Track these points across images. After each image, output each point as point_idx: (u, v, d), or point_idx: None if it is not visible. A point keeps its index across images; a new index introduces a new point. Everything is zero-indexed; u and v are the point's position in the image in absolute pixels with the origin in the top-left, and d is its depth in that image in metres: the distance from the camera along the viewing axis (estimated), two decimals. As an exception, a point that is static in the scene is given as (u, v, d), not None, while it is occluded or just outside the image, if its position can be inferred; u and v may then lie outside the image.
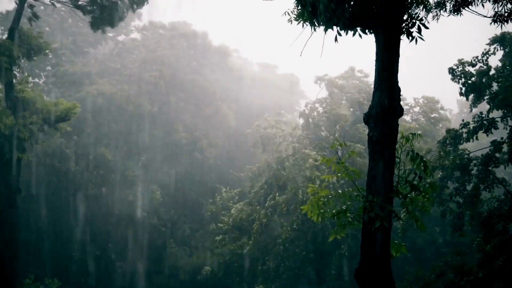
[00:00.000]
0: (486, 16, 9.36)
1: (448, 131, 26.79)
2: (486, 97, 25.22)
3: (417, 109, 45.44)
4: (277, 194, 39.24)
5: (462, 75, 25.38)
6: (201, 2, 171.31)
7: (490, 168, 24.89)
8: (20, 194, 31.80)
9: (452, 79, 25.70)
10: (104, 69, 58.97)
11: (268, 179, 41.34)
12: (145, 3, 35.26)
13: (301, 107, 47.87)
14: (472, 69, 25.51)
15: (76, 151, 47.98)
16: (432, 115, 44.38)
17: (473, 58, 25.45)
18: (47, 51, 34.27)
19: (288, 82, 74.70)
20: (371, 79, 48.40)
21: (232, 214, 42.32)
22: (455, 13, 9.79)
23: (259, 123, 46.95)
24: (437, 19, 10.05)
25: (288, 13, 10.33)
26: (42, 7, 42.37)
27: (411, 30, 9.88)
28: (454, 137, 25.92)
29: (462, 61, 25.61)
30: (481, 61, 25.31)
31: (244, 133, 52.79)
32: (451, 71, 25.71)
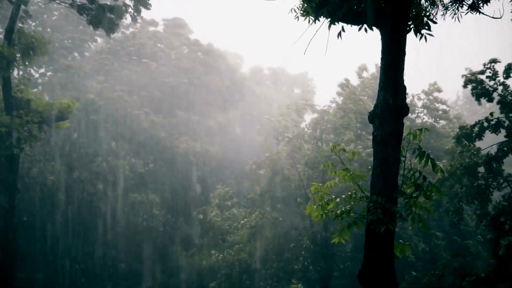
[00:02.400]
0: (494, 17, 9.19)
1: (462, 128, 27.92)
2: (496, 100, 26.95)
3: (419, 103, 44.36)
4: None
5: (473, 83, 27.23)
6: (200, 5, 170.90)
7: (494, 166, 25.77)
8: (18, 194, 31.72)
9: (464, 86, 27.82)
10: (97, 66, 58.46)
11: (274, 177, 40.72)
12: (147, 7, 35.34)
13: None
14: (482, 76, 27.30)
15: (75, 154, 47.80)
16: (437, 113, 43.57)
17: (483, 65, 27.25)
18: (45, 50, 34.06)
19: (300, 83, 74.54)
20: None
21: (233, 218, 41.97)
22: (473, 11, 9.59)
23: (269, 116, 46.30)
24: (454, 15, 9.83)
25: (294, 10, 10.27)
26: (35, 6, 41.91)
27: (420, 27, 9.75)
28: (467, 136, 27.01)
29: (473, 71, 27.64)
30: (489, 66, 27.05)
31: (247, 139, 52.53)
32: (465, 79, 27.51)
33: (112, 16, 34.12)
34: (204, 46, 66.73)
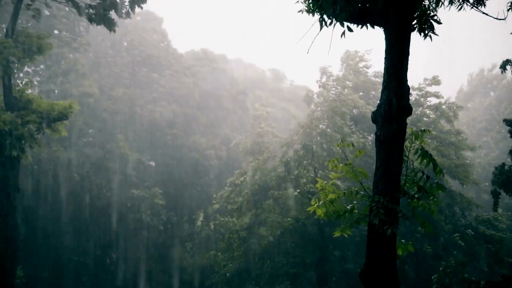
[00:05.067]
0: (497, 18, 9.23)
1: None
2: None
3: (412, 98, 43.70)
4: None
5: None
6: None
7: None
8: (19, 193, 31.71)
9: None
10: (97, 62, 58.16)
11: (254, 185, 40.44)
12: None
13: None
14: None
15: (76, 151, 47.80)
16: (427, 111, 43.02)
17: None
18: (46, 48, 34.13)
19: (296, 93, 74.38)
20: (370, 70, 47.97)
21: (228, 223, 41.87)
22: (479, 5, 9.61)
23: (246, 135, 46.10)
24: (460, 8, 9.81)
25: (300, 2, 10.31)
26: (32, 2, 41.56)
27: (424, 26, 9.80)
28: None
29: None
30: None
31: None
32: None
33: (111, 12, 34.00)
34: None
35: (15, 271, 30.93)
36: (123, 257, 48.55)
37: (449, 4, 9.41)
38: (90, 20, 34.27)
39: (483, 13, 9.45)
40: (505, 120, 26.38)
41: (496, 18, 9.26)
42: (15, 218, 31.36)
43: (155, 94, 56.61)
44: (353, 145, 11.12)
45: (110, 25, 34.07)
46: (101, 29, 42.30)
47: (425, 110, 43.04)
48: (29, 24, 50.95)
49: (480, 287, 21.26)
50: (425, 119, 42.26)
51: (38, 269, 44.28)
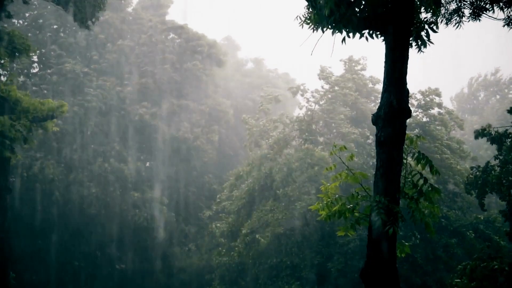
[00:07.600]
0: (496, 19, 9.47)
1: None
2: None
3: (415, 103, 43.50)
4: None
5: None
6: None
7: None
8: (10, 194, 31.52)
9: None
10: (87, 59, 57.36)
11: (254, 183, 40.33)
12: None
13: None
14: None
15: (74, 151, 47.48)
16: (432, 111, 43.43)
17: None
18: (31, 52, 33.90)
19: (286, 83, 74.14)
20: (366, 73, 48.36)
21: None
22: (474, 19, 9.93)
23: (246, 116, 45.69)
24: (457, 25, 10.16)
25: (299, 18, 10.57)
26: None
27: (420, 33, 10.02)
28: None
29: None
30: None
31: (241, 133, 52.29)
32: None
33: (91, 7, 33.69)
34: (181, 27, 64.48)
35: (8, 272, 30.77)
36: (122, 258, 48.43)
37: (446, 22, 9.66)
38: (66, 11, 34.01)
39: (482, 14, 9.68)
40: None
41: (496, 19, 9.48)
42: (6, 219, 31.18)
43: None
44: (345, 148, 11.34)
45: (82, 22, 33.79)
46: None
47: (430, 124, 43.27)
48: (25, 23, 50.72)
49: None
50: (427, 125, 42.62)
51: (34, 272, 43.99)
